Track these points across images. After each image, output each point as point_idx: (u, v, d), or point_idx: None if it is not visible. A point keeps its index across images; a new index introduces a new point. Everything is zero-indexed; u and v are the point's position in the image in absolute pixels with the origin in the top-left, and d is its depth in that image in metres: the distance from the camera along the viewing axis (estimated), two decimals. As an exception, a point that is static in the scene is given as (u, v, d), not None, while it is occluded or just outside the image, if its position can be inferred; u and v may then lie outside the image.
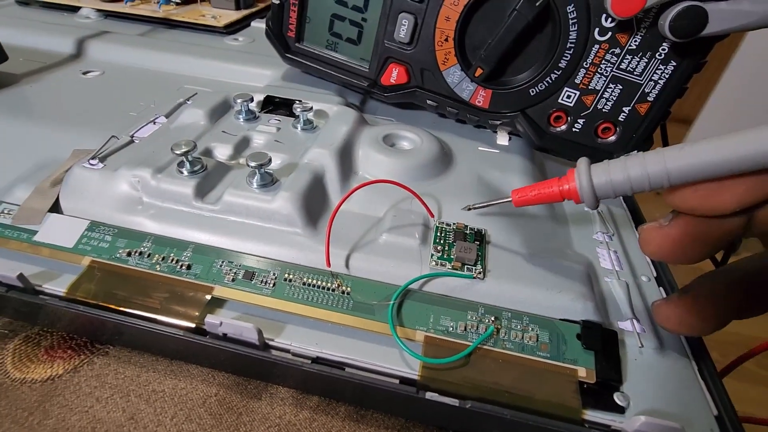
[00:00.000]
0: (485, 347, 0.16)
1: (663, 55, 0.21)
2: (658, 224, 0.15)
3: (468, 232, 0.20)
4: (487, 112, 0.26)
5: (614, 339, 0.17)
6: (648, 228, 0.15)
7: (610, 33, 0.22)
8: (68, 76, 0.31)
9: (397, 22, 0.25)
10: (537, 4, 0.22)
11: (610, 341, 0.17)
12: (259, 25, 0.42)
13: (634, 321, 0.18)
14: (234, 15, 0.42)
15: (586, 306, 0.18)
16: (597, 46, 0.22)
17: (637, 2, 0.19)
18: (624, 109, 0.23)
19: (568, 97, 0.24)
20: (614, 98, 0.23)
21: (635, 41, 0.22)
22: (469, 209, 0.20)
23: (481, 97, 0.25)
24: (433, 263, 0.19)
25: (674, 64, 0.22)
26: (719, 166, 0.13)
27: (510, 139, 0.28)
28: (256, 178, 0.21)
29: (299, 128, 0.25)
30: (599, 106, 0.24)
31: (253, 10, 0.45)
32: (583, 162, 0.16)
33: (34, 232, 0.20)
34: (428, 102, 0.27)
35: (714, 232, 0.14)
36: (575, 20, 0.22)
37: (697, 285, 0.16)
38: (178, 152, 0.20)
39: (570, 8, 0.22)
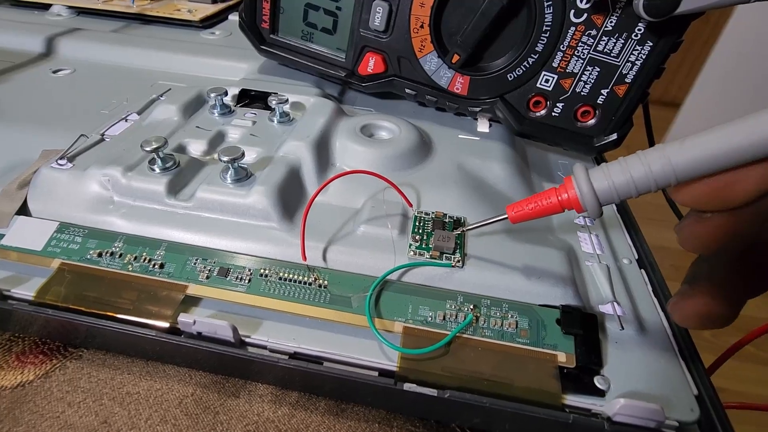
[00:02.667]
0: (464, 336, 0.16)
1: (639, 35, 0.21)
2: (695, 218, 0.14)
3: (447, 220, 0.20)
4: (466, 99, 0.26)
5: (594, 322, 0.17)
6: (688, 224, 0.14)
7: (585, 14, 0.21)
8: (37, 75, 0.30)
9: (372, 10, 0.25)
10: (511, -14, 0.21)
11: (590, 325, 0.17)
12: (236, 18, 0.41)
13: (615, 304, 0.18)
14: (210, 8, 0.42)
15: (566, 291, 0.18)
16: (573, 29, 0.22)
17: (611, -19, 0.19)
18: (602, 91, 0.23)
19: (546, 81, 0.24)
20: (592, 81, 0.23)
21: (611, 22, 0.21)
22: (462, 232, 0.19)
23: (460, 84, 0.25)
24: (411, 253, 0.18)
25: (650, 44, 0.21)
26: (730, 155, 0.12)
27: (490, 126, 0.27)
28: (229, 173, 0.20)
29: (275, 121, 0.25)
30: (577, 90, 0.23)
31: (230, 3, 0.44)
32: (579, 168, 0.15)
33: (1, 236, 0.19)
34: (407, 91, 0.27)
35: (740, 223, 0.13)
36: (550, 3, 0.22)
37: (706, 271, 0.15)
38: (148, 149, 0.20)
39: (544, -10, 0.21)
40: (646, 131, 0.30)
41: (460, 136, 0.26)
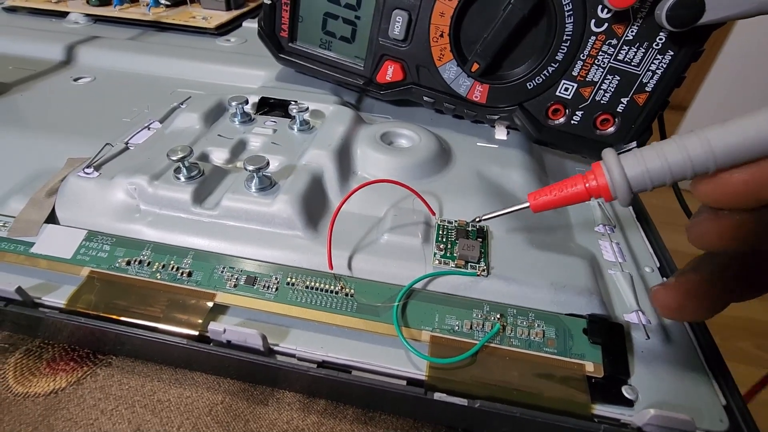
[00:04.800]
0: (492, 345, 0.16)
1: (660, 44, 0.21)
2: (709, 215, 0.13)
3: (470, 229, 0.20)
4: (485, 107, 0.26)
5: (620, 332, 0.17)
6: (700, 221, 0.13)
7: (606, 24, 0.22)
8: (59, 83, 0.31)
9: (391, 19, 0.25)
10: (532, -4, 0.22)
11: (617, 334, 0.17)
12: (251, 25, 0.42)
13: (640, 313, 0.18)
14: (225, 16, 0.42)
15: (591, 300, 0.18)
16: (593, 38, 0.22)
17: (634, -8, 0.19)
18: (622, 100, 0.23)
19: (566, 89, 0.24)
20: (612, 89, 0.23)
21: (632, 32, 0.21)
22: (479, 220, 0.18)
23: (478, 93, 0.25)
24: (436, 262, 0.19)
25: (671, 53, 0.21)
26: None
27: (508, 133, 0.27)
28: (254, 181, 0.20)
29: (296, 129, 0.25)
30: (597, 98, 0.24)
31: (244, 10, 0.44)
32: (610, 153, 0.14)
33: (31, 244, 0.19)
34: (425, 98, 0.27)
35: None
36: (571, 12, 0.22)
37: (694, 267, 0.15)
38: (174, 158, 0.20)
39: (565, 0, 0.21)
40: (660, 137, 0.30)
41: (478, 143, 0.26)
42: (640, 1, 0.20)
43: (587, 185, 0.14)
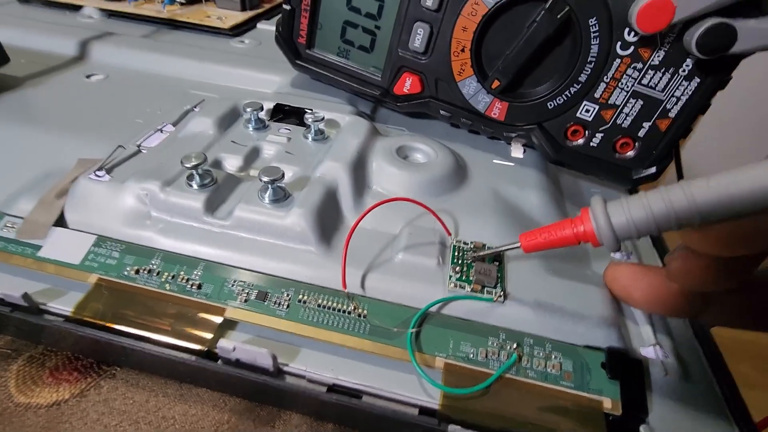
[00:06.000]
0: (507, 375, 0.16)
1: (687, 71, 0.21)
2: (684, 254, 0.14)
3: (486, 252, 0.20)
4: (503, 125, 0.25)
5: (640, 368, 0.16)
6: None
7: (632, 47, 0.21)
8: (72, 79, 0.30)
9: (412, 31, 0.24)
10: (558, 16, 0.21)
11: (636, 371, 0.16)
12: (265, 27, 0.42)
13: (658, 347, 0.18)
14: (240, 16, 0.42)
15: (609, 332, 0.17)
16: (618, 61, 0.22)
17: (664, 18, 0.19)
18: (644, 124, 0.23)
19: (587, 111, 0.23)
20: (634, 113, 0.23)
21: (658, 56, 0.21)
22: (474, 260, 0.19)
23: (497, 110, 0.25)
24: (452, 285, 0.18)
25: (698, 80, 0.21)
26: (762, 198, 0.12)
27: (524, 151, 0.27)
28: (268, 192, 0.20)
29: (310, 138, 0.25)
30: (618, 121, 0.23)
31: (259, 11, 0.44)
32: (597, 201, 0.15)
33: (39, 247, 0.19)
34: (441, 112, 0.26)
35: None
36: (597, 34, 0.21)
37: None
38: (188, 165, 0.20)
39: (592, 21, 0.21)
40: (675, 164, 0.30)
41: (494, 161, 0.26)
42: (668, 27, 0.20)
43: (575, 230, 0.15)
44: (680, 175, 0.30)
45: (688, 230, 0.13)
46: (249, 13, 0.43)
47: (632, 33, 0.21)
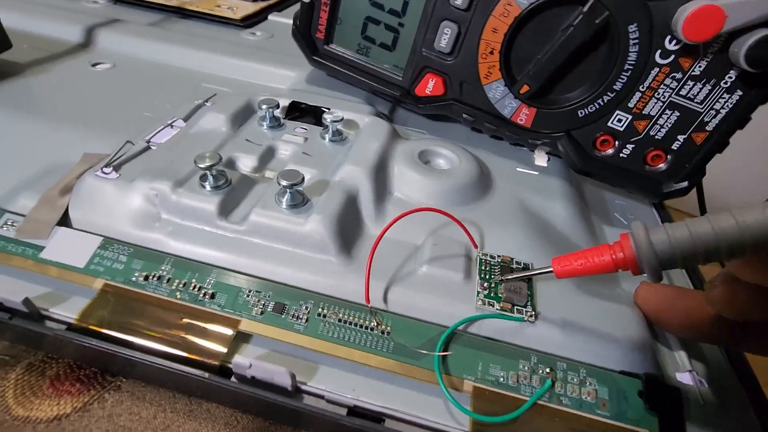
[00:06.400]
0: (539, 402, 0.15)
1: (729, 83, 0.20)
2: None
3: (515, 266, 0.19)
4: (529, 132, 0.24)
5: (678, 398, 0.15)
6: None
7: (672, 56, 0.20)
8: (77, 67, 0.29)
9: (439, 31, 0.23)
10: (596, 21, 0.20)
11: (675, 400, 0.15)
12: (277, 19, 0.40)
13: (695, 374, 0.17)
14: (251, 7, 0.40)
15: (645, 357, 0.16)
16: (657, 69, 0.21)
17: (713, 27, 0.18)
18: (679, 137, 0.22)
19: (619, 120, 0.22)
20: (669, 125, 0.22)
21: (699, 67, 0.20)
22: (501, 281, 0.18)
23: (524, 116, 0.24)
24: (480, 302, 0.17)
25: (740, 93, 0.20)
26: None
27: (549, 159, 0.26)
28: (286, 197, 0.19)
29: (327, 139, 0.24)
30: (652, 133, 0.22)
31: (271, 2, 0.43)
32: (639, 226, 0.14)
33: (41, 248, 0.18)
34: (464, 116, 0.25)
35: None
36: (636, 41, 0.20)
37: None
38: (202, 165, 0.18)
39: (632, 27, 0.20)
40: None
41: (518, 169, 0.25)
42: (715, 36, 0.19)
43: (614, 257, 0.14)
44: (701, 196, 0.29)
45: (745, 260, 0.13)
46: (261, 4, 0.41)
47: (674, 41, 0.20)
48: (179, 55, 0.31)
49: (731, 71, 0.20)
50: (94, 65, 0.29)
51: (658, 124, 0.22)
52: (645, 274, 0.14)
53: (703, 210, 0.29)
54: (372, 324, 0.16)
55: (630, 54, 0.21)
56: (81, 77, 0.28)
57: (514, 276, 0.17)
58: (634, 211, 0.26)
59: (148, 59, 0.31)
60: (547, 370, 0.16)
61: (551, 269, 0.16)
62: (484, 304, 0.17)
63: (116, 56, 0.31)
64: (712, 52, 0.20)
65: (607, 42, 0.21)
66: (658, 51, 0.20)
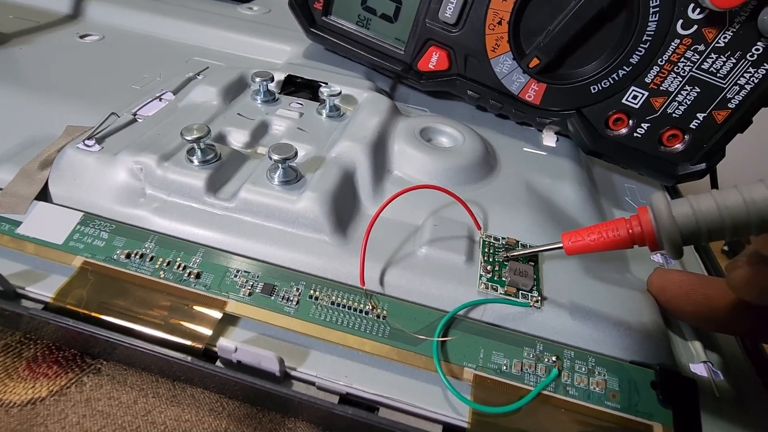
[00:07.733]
0: (545, 392, 0.14)
1: (756, 56, 0.19)
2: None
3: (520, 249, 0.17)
4: (538, 109, 0.23)
5: (694, 390, 0.14)
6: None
7: (695, 26, 0.19)
8: (64, 39, 0.28)
9: (444, 0, 0.22)
10: (614, -14, 0.19)
11: (690, 393, 0.14)
12: (276, -7, 0.39)
13: (709, 365, 0.16)
14: (248, -19, 0.39)
15: (659, 347, 0.15)
16: (677, 41, 0.19)
17: (743, -9, 0.16)
18: (698, 115, 0.20)
19: (635, 97, 0.21)
20: (688, 102, 0.20)
21: (724, 38, 0.19)
22: (507, 259, 0.17)
23: (533, 92, 0.22)
24: (482, 286, 0.16)
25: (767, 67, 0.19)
26: None
27: (557, 140, 0.25)
28: (278, 173, 0.18)
29: (324, 114, 0.22)
30: (669, 110, 0.21)
31: (270, -24, 0.41)
32: (660, 197, 0.13)
33: (18, 223, 0.17)
34: (469, 93, 0.24)
35: None
36: (657, 9, 0.19)
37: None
38: (189, 138, 0.17)
39: (652, -6, 0.19)
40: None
41: (525, 149, 0.24)
42: (743, 3, 0.17)
43: (630, 231, 0.13)
44: (713, 177, 0.27)
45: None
46: (258, -22, 0.40)
47: (697, 10, 0.18)
48: (171, 27, 0.30)
49: (759, 43, 0.18)
50: (81, 37, 0.28)
51: (676, 101, 0.20)
52: (663, 251, 0.13)
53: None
54: (367, 307, 0.15)
55: (649, 24, 0.19)
56: (67, 49, 0.27)
57: (520, 252, 0.16)
58: (646, 195, 0.24)
59: (138, 31, 0.30)
60: (554, 358, 0.15)
61: (561, 245, 0.15)
62: (487, 288, 0.16)
63: (105, 28, 0.29)
64: (738, 21, 0.18)
65: (626, 11, 0.19)
66: (680, 21, 0.19)
